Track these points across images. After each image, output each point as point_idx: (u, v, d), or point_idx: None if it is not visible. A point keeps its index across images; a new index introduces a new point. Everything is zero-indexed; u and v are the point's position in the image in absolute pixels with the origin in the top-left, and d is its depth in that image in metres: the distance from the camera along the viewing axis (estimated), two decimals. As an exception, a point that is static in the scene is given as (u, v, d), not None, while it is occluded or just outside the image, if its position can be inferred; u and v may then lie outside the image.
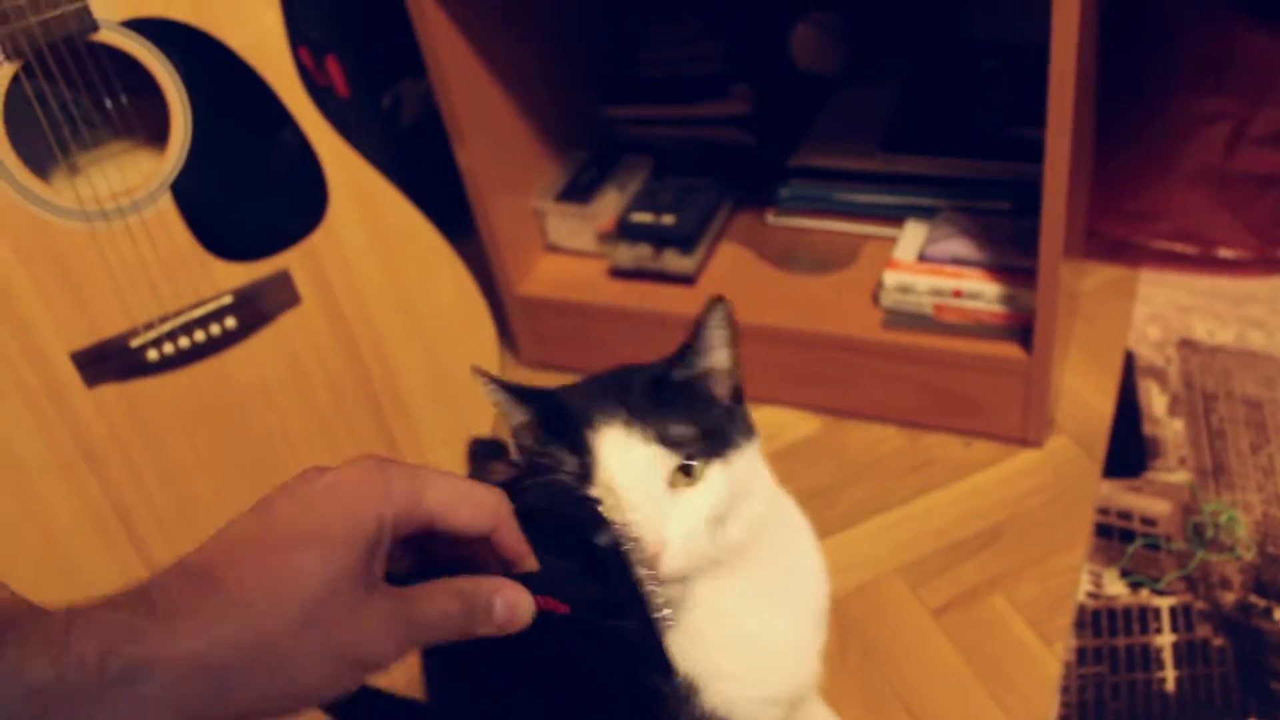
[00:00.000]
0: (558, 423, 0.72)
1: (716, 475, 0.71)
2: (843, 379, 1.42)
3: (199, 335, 1.13)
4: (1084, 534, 1.24)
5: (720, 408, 0.74)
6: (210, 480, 1.18)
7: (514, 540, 0.60)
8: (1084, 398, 1.41)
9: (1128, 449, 1.33)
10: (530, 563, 0.60)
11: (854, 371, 1.40)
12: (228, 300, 1.14)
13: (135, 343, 1.12)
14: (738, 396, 0.76)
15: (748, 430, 0.75)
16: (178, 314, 1.12)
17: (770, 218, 1.59)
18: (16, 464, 1.10)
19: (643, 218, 1.52)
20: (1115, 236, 1.60)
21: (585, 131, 1.69)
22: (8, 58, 1.00)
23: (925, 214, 1.45)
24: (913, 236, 1.42)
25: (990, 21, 1.65)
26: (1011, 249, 1.35)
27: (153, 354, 1.12)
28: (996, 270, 1.34)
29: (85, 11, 1.02)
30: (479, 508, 0.58)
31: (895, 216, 1.49)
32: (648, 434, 0.69)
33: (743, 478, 0.73)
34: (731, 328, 0.73)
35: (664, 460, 0.69)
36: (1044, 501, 1.29)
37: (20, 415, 1.09)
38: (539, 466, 0.71)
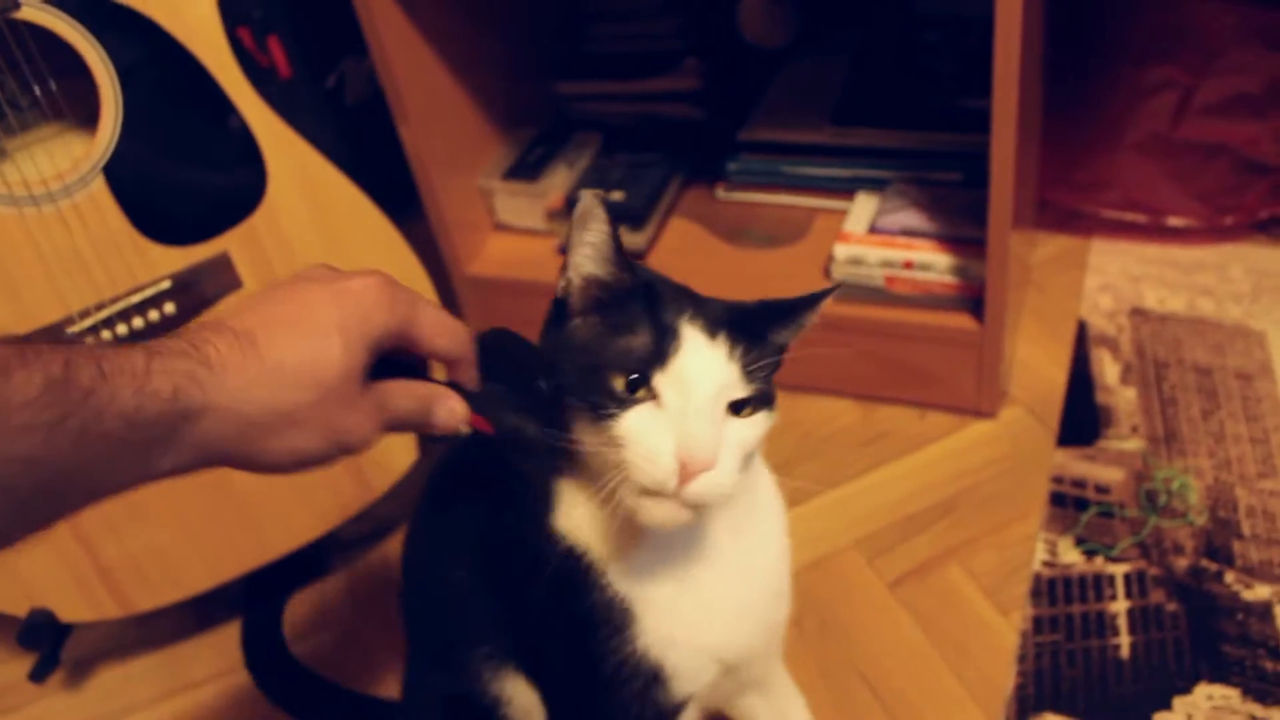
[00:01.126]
0: (645, 291, 0.70)
1: (762, 420, 0.70)
2: (796, 353, 1.41)
3: (137, 322, 1.11)
4: (1039, 503, 1.24)
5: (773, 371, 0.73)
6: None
7: (469, 370, 0.71)
8: (1037, 368, 1.41)
9: (1081, 418, 1.33)
10: (472, 384, 0.71)
11: (807, 345, 1.38)
12: (166, 285, 1.11)
13: (72, 331, 1.09)
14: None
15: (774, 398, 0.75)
16: (114, 301, 1.09)
17: (720, 192, 1.57)
18: (-49, 458, 1.08)
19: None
20: (1066, 206, 1.61)
21: (533, 109, 1.67)
22: (-72, 38, 0.97)
23: (876, 186, 1.45)
24: (863, 209, 1.41)
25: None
26: (962, 220, 1.35)
27: (90, 342, 1.09)
28: (947, 241, 1.33)
29: (30, -13, 0.99)
30: (454, 340, 0.69)
31: (846, 189, 1.48)
32: (734, 356, 0.68)
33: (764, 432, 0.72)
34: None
35: (737, 387, 0.68)
36: (999, 472, 1.29)
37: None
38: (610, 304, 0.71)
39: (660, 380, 0.66)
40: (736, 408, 0.68)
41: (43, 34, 1.03)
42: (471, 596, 0.83)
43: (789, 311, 0.74)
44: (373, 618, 1.28)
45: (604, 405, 0.66)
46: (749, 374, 0.68)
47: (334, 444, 0.63)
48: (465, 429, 0.71)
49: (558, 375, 0.69)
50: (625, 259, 0.70)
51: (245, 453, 0.61)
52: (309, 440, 0.62)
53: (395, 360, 0.68)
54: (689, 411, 0.65)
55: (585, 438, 0.68)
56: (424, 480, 0.93)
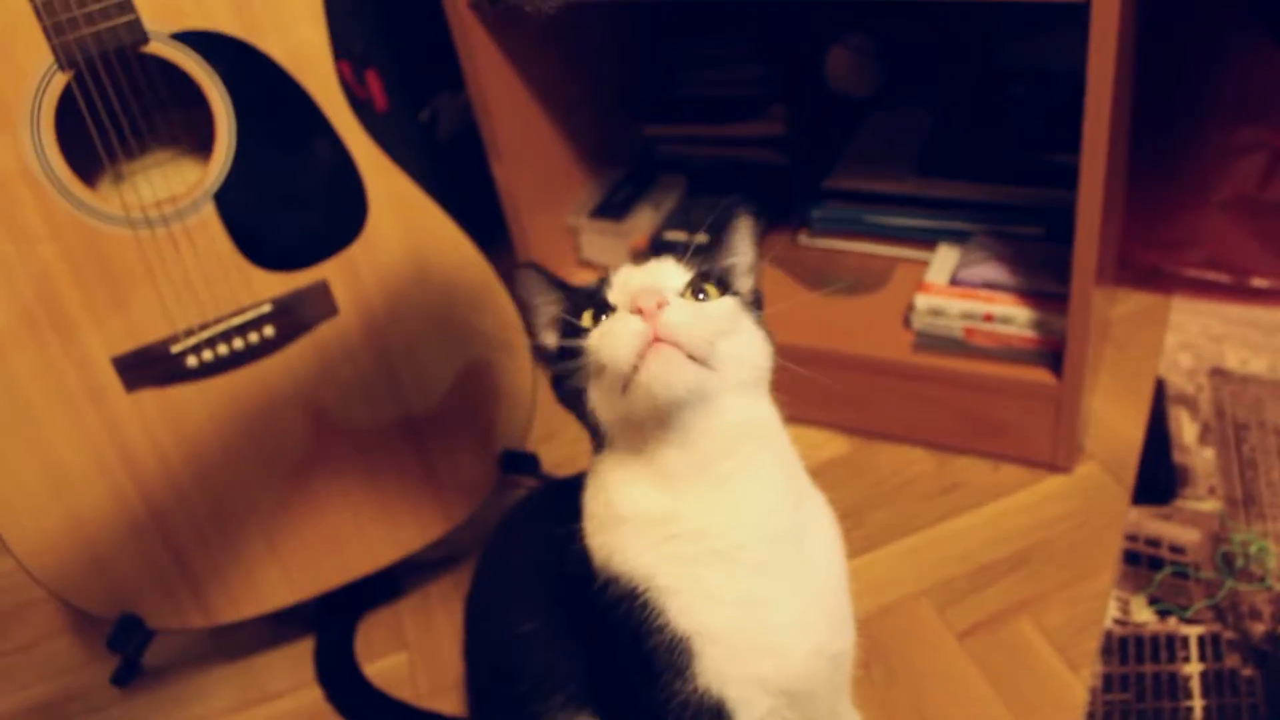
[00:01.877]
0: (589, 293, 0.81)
1: (727, 303, 0.77)
2: (872, 400, 1.42)
3: (238, 343, 1.15)
4: (1112, 560, 1.24)
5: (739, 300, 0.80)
6: (245, 485, 1.19)
7: None
8: (1114, 424, 1.41)
9: (1157, 476, 1.33)
10: None
11: (884, 393, 1.41)
12: (267, 309, 1.15)
13: (175, 349, 1.13)
14: (757, 301, 0.84)
15: (762, 330, 0.80)
16: (218, 321, 1.14)
17: (803, 239, 1.59)
18: (58, 467, 1.12)
19: (676, 236, 1.53)
20: (1148, 264, 1.60)
21: (621, 150, 1.70)
22: (61, 68, 1.03)
23: (957, 238, 1.46)
24: (945, 260, 1.43)
25: (1022, 48, 1.65)
26: (1043, 274, 1.35)
27: (192, 360, 1.14)
28: (1028, 295, 1.34)
29: (136, 24, 1.04)
30: None
31: (927, 240, 1.49)
32: (669, 258, 0.79)
33: (748, 343, 0.77)
34: (756, 231, 0.85)
35: (682, 272, 0.78)
36: (1072, 527, 1.29)
37: (62, 418, 1.11)
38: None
39: (609, 298, 0.77)
40: (696, 294, 0.77)
41: (164, 65, 1.08)
42: (544, 645, 0.85)
43: (709, 245, 0.83)
44: (445, 639, 1.30)
45: (579, 346, 0.76)
46: (696, 260, 0.79)
47: None
48: None
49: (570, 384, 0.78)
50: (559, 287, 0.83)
51: None
52: None
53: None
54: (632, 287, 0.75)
55: (585, 379, 0.77)
56: (496, 523, 0.95)
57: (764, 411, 0.80)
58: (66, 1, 1.01)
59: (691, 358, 0.71)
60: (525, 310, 0.84)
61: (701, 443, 0.74)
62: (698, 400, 0.73)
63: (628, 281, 0.77)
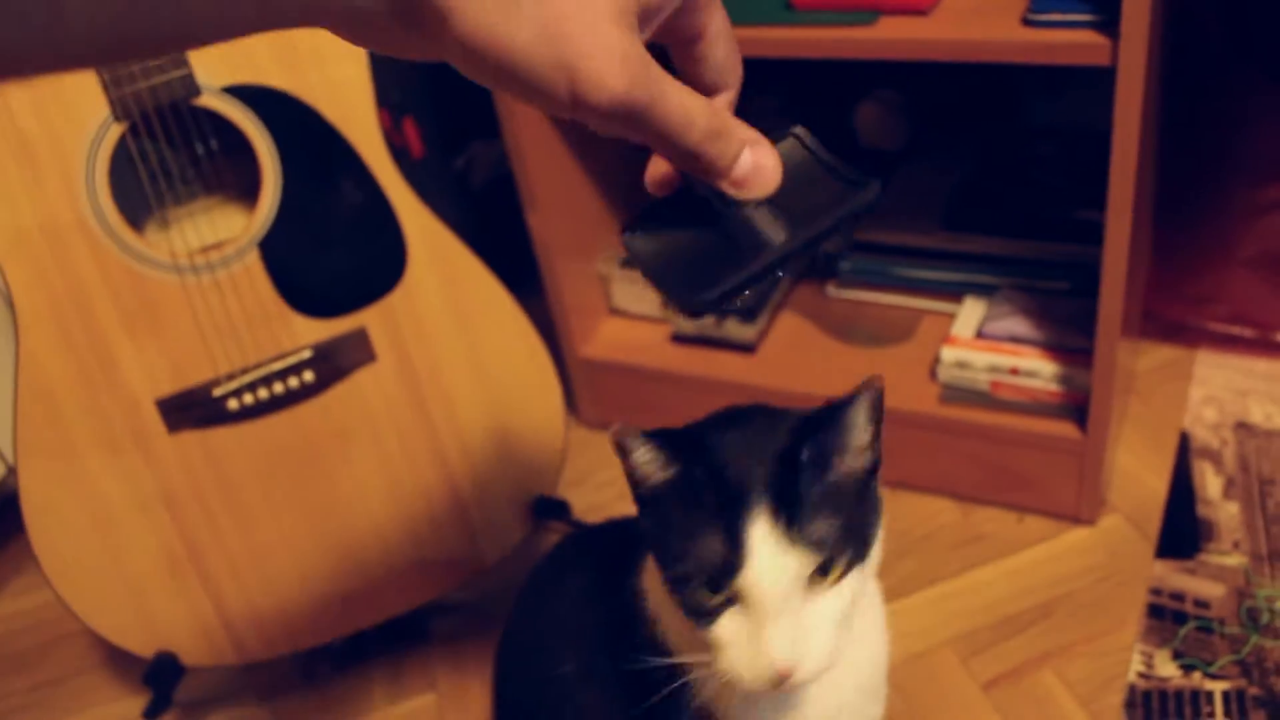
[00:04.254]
0: (702, 489, 0.68)
1: (854, 577, 0.68)
2: (898, 451, 1.43)
3: (278, 387, 1.18)
4: (1136, 614, 1.24)
5: (858, 486, 0.71)
6: (281, 526, 1.22)
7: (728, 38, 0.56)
8: (1138, 477, 1.42)
9: (1181, 530, 1.33)
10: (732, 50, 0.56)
11: (909, 444, 1.42)
12: (307, 355, 1.18)
13: (217, 392, 1.16)
14: (874, 467, 0.73)
15: (879, 512, 0.73)
16: (259, 366, 1.17)
17: (831, 290, 1.62)
18: (103, 506, 1.15)
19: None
20: (1172, 318, 1.62)
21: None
22: (116, 119, 1.06)
23: (984, 291, 1.48)
24: (971, 313, 1.44)
25: (1049, 105, 1.68)
26: (1069, 329, 1.37)
27: (233, 403, 1.17)
28: (1053, 349, 1.35)
29: (190, 78, 1.08)
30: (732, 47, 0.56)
31: (954, 293, 1.51)
32: (793, 532, 0.66)
33: (872, 571, 0.72)
34: (878, 407, 0.71)
35: (807, 563, 0.66)
36: (1096, 579, 1.30)
37: (106, 457, 1.14)
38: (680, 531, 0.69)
39: (739, 586, 0.66)
40: (824, 570, 0.67)
41: (213, 116, 1.12)
42: (579, 688, 0.86)
43: (826, 429, 0.69)
44: (474, 681, 1.32)
45: (695, 614, 0.68)
46: (817, 541, 0.66)
47: (555, 62, 0.44)
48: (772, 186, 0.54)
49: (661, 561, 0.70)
50: (669, 453, 0.70)
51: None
52: (520, 27, 0.43)
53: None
54: (768, 615, 0.66)
55: (684, 637, 0.73)
56: (530, 567, 0.97)
57: (868, 582, 0.76)
58: (123, 55, 1.04)
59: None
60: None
61: None
62: None
63: (759, 584, 0.66)
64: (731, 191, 0.53)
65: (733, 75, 0.56)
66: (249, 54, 1.12)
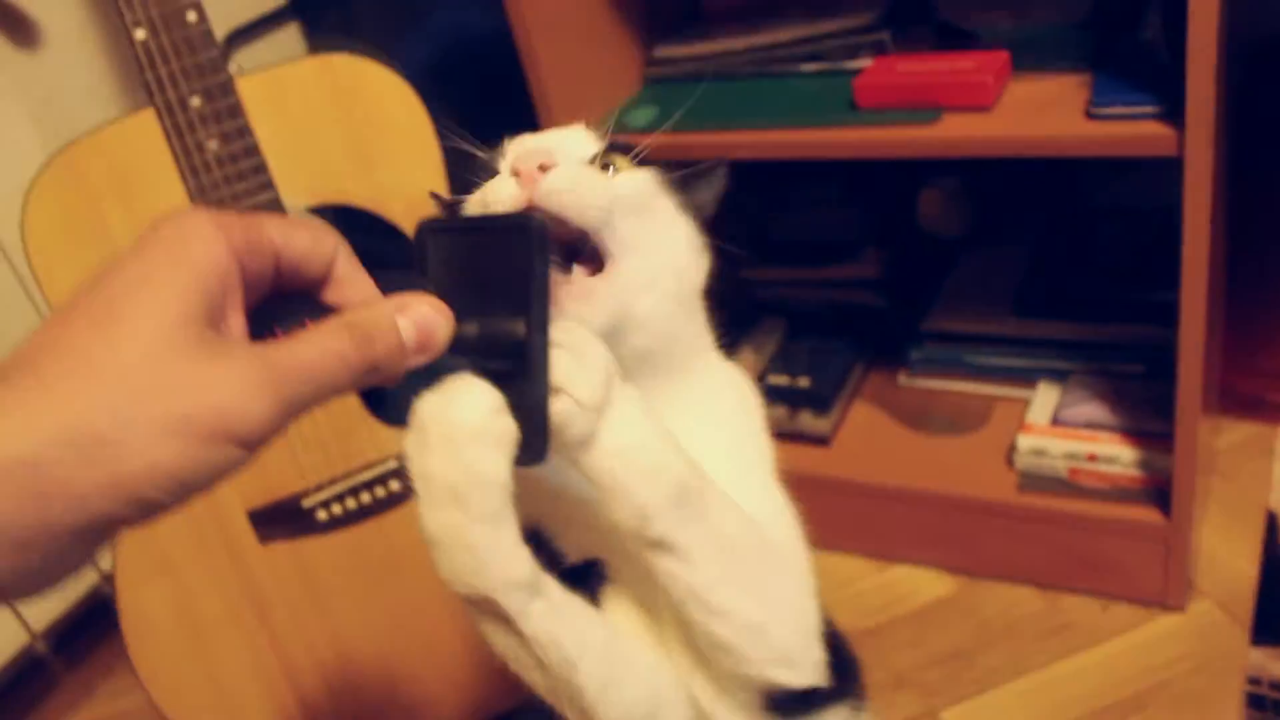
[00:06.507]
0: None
1: (641, 177, 0.65)
2: (977, 540, 1.43)
3: (365, 497, 1.21)
4: (1234, 704, 1.22)
5: None
6: (367, 634, 1.24)
7: (358, 270, 0.54)
8: (1225, 559, 1.40)
9: (1276, 614, 1.31)
10: (375, 293, 0.54)
11: (988, 533, 1.41)
12: (393, 464, 1.21)
13: (307, 503, 1.19)
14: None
15: (694, 231, 0.71)
16: (346, 476, 1.20)
17: (903, 379, 1.62)
18: (194, 614, 1.18)
19: (779, 380, 1.57)
20: (1250, 393, 1.60)
21: (722, 294, 1.75)
22: (209, 246, 1.11)
23: (1057, 376, 1.48)
24: (1045, 399, 1.44)
25: (1112, 186, 1.68)
26: (1146, 412, 1.36)
27: (322, 514, 1.20)
28: (1131, 434, 1.35)
29: (276, 201, 1.12)
30: (317, 230, 0.53)
31: (1026, 378, 1.51)
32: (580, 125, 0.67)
33: (666, 232, 0.68)
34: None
35: (593, 141, 0.66)
36: (1190, 669, 1.27)
37: (201, 571, 1.17)
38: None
39: (500, 166, 0.64)
40: (604, 168, 0.64)
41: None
42: None
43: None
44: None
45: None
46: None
47: (202, 439, 0.43)
48: (447, 337, 0.52)
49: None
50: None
51: (64, 509, 0.41)
52: (150, 450, 0.42)
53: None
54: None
55: None
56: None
57: (696, 340, 0.71)
58: (215, 180, 1.09)
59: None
60: None
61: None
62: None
63: (520, 145, 0.64)
64: (425, 358, 0.52)
65: (326, 245, 0.53)
66: (332, 173, 1.16)
